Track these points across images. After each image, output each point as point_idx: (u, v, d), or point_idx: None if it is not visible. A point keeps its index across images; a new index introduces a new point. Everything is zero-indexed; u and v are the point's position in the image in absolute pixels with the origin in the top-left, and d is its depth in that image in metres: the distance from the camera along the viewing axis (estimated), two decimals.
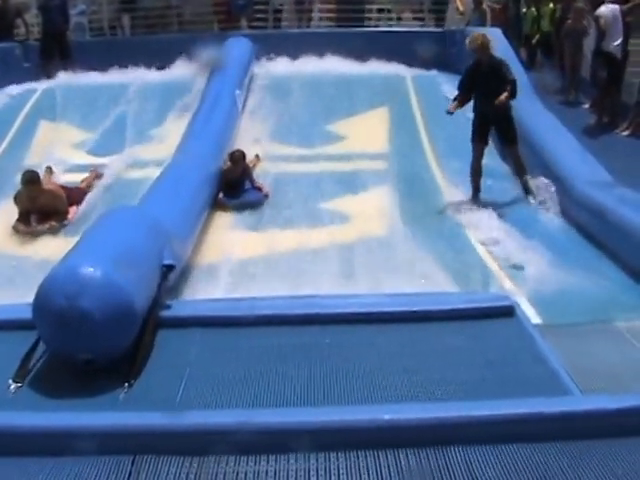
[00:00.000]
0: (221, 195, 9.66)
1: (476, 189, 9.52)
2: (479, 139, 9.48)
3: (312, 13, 17.76)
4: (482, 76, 9.25)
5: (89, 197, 9.75)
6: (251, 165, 10.22)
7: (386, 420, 3.88)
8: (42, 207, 8.91)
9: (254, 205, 9.53)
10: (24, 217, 8.91)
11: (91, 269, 4.64)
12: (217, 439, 3.80)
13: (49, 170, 10.05)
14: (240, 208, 9.42)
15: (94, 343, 4.55)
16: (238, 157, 9.90)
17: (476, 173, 9.54)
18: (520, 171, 9.59)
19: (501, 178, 9.92)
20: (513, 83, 9.21)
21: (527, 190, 9.41)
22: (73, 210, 9.33)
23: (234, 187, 9.75)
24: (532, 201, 9.23)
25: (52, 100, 13.24)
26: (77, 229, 7.73)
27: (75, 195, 9.60)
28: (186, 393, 4.41)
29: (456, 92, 9.44)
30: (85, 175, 10.31)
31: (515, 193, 9.56)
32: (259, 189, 9.88)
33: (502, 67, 9.34)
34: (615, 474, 3.66)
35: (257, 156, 10.84)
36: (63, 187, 9.52)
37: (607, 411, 4.07)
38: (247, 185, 9.90)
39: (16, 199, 8.99)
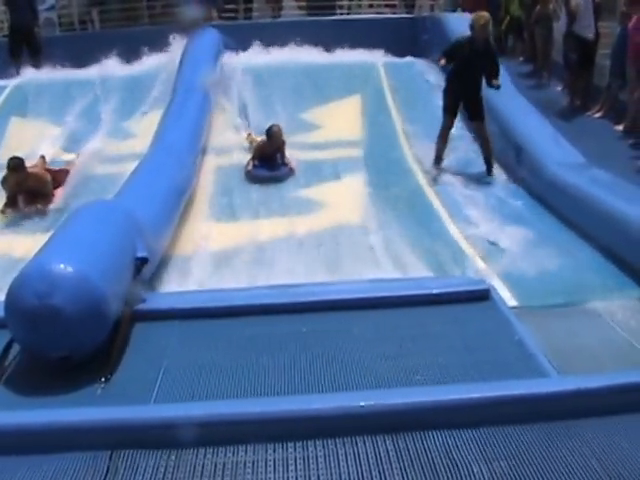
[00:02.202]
0: (250, 167, 10.13)
1: (439, 157, 9.85)
2: (451, 110, 9.83)
3: (283, 2, 17.70)
4: (472, 54, 9.52)
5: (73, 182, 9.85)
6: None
7: (362, 406, 3.88)
8: (29, 190, 9.22)
9: (280, 179, 9.94)
10: (12, 200, 9.22)
11: (61, 266, 4.61)
12: (194, 431, 3.78)
13: (42, 159, 10.17)
14: (267, 181, 9.83)
15: (68, 340, 4.52)
16: (275, 132, 10.22)
17: (442, 141, 9.86)
18: (486, 147, 9.84)
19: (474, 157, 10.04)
20: (498, 72, 9.64)
21: (489, 166, 9.73)
22: (59, 192, 9.59)
23: (267, 161, 10.18)
24: (493, 177, 9.60)
25: (23, 96, 13.11)
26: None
27: (60, 177, 9.86)
28: (163, 386, 4.40)
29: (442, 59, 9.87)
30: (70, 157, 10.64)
31: (489, 177, 9.63)
32: (286, 164, 10.26)
33: (495, 53, 9.82)
34: (594, 453, 3.68)
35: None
36: (48, 170, 9.76)
37: (584, 391, 4.09)
38: (279, 160, 10.27)
39: (3, 183, 9.32)
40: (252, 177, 10.00)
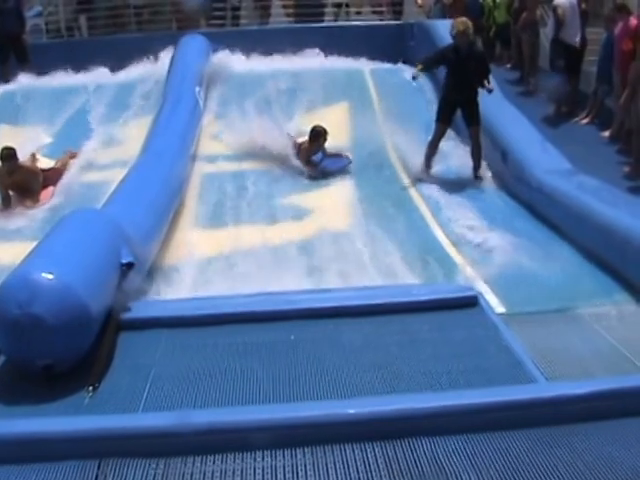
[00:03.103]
0: (311, 166, 10.24)
1: (428, 165, 9.88)
2: (444, 119, 9.87)
3: (271, 9, 17.70)
4: (460, 61, 9.60)
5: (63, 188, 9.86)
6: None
7: (351, 414, 3.88)
8: (18, 183, 9.38)
9: (344, 171, 10.16)
10: (5, 200, 9.40)
11: (42, 275, 4.63)
12: (182, 440, 3.78)
13: (33, 156, 10.18)
14: (328, 175, 10.08)
15: (51, 348, 4.52)
16: (319, 132, 10.28)
17: (433, 149, 9.89)
18: (477, 151, 9.88)
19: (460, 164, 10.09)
20: (489, 74, 9.75)
21: (477, 170, 9.79)
22: (49, 191, 9.68)
23: (310, 161, 10.31)
24: (479, 182, 9.66)
25: (11, 103, 13.10)
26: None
27: (51, 176, 9.91)
28: (151, 394, 4.39)
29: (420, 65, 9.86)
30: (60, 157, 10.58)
31: (476, 182, 9.66)
32: (338, 155, 10.45)
33: (484, 57, 9.98)
34: (583, 459, 3.69)
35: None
36: (41, 168, 9.84)
37: (572, 397, 4.11)
38: (319, 156, 10.36)
39: None
40: (321, 173, 10.14)
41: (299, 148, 10.46)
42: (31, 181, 9.52)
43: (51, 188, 9.75)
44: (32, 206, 9.27)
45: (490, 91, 9.66)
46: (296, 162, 10.32)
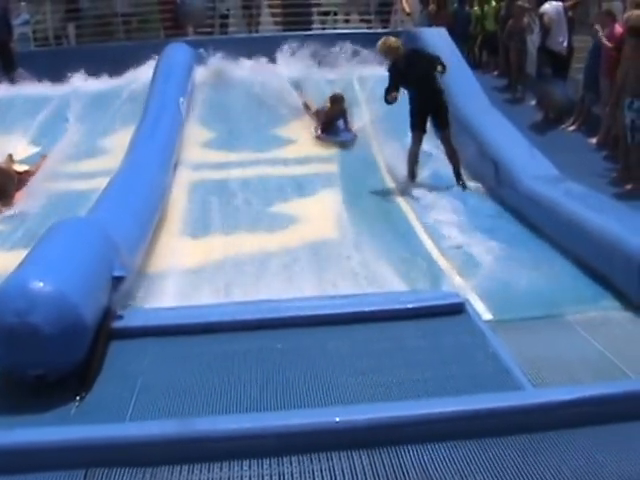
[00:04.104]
0: (319, 132, 11.58)
1: (412, 175, 9.90)
2: (419, 127, 9.90)
3: (259, 18, 17.72)
4: (407, 71, 9.66)
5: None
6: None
7: (338, 422, 3.88)
8: None
9: (348, 144, 11.30)
10: None
11: (40, 284, 4.60)
12: (169, 449, 3.77)
13: (10, 157, 10.26)
14: (337, 145, 11.23)
15: (45, 358, 4.51)
16: (338, 98, 11.59)
17: (414, 160, 9.92)
18: (453, 155, 9.92)
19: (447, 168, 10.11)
20: (438, 58, 9.81)
21: (458, 175, 9.81)
22: (23, 193, 9.66)
23: (331, 125, 11.58)
24: (461, 185, 9.69)
25: None
26: None
27: (25, 179, 9.96)
28: (139, 403, 4.38)
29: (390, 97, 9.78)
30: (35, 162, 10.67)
31: (463, 188, 9.68)
32: (350, 130, 11.56)
33: (420, 54, 10.03)
34: (569, 465, 3.70)
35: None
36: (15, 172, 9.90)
37: (559, 404, 4.13)
38: (341, 125, 11.63)
39: None
40: (321, 141, 11.36)
41: (318, 113, 11.75)
42: (6, 183, 9.47)
43: (24, 190, 9.73)
44: (5, 208, 9.19)
45: (443, 70, 9.67)
46: (312, 119, 11.78)
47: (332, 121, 11.55)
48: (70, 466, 3.75)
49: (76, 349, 4.67)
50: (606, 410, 4.12)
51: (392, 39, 10.03)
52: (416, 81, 9.67)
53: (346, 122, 11.59)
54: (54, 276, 4.76)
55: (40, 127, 12.49)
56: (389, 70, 9.94)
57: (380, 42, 9.96)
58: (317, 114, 11.89)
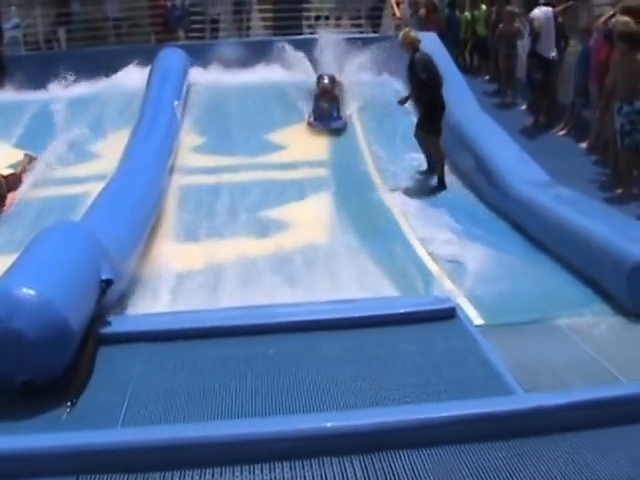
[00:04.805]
0: (312, 119, 11.97)
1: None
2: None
3: (250, 22, 17.73)
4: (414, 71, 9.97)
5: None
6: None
7: (329, 427, 3.89)
8: None
9: (339, 131, 11.64)
10: None
11: (23, 290, 4.60)
12: (160, 455, 3.76)
13: None
14: (327, 132, 11.54)
15: (31, 364, 4.49)
16: (323, 77, 12.05)
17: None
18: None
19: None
20: (420, 82, 9.97)
21: (439, 178, 10.02)
22: (11, 196, 9.59)
23: (323, 112, 11.96)
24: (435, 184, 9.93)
25: None
26: None
27: (11, 182, 9.83)
28: (130, 410, 4.37)
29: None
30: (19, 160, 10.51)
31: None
32: (341, 117, 11.93)
33: (418, 65, 10.04)
34: (560, 470, 3.71)
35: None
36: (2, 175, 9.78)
37: (550, 408, 4.13)
38: (334, 113, 11.95)
39: None
40: (312, 127, 11.76)
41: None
42: None
43: (12, 194, 9.68)
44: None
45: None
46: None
47: (326, 109, 11.90)
48: (61, 472, 3.74)
49: (62, 354, 4.67)
50: (597, 414, 4.13)
51: (407, 33, 10.40)
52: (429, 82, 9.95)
53: (338, 109, 11.81)
54: (38, 281, 4.76)
55: (27, 131, 12.42)
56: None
57: (401, 35, 10.44)
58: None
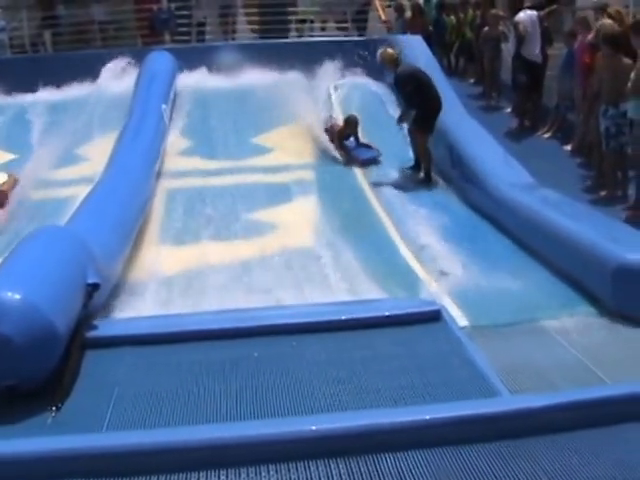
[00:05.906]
0: (342, 151, 11.24)
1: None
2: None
3: (236, 25, 17.73)
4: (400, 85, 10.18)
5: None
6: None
7: (314, 430, 3.89)
8: None
9: (376, 162, 10.95)
10: None
11: (8, 294, 4.58)
12: (145, 459, 3.76)
13: None
14: (362, 165, 10.88)
15: (16, 368, 4.48)
16: (353, 121, 11.37)
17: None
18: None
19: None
20: (408, 94, 10.22)
21: (426, 172, 10.18)
22: (1, 213, 9.48)
23: (343, 145, 11.35)
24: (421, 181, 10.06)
25: None
26: None
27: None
28: (115, 414, 4.37)
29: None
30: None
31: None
32: (368, 146, 11.23)
33: (402, 79, 10.25)
34: (546, 471, 3.72)
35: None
36: None
37: (535, 410, 4.15)
38: (352, 142, 11.37)
39: None
40: (355, 161, 10.96)
41: (332, 131, 11.44)
42: None
43: (1, 210, 9.54)
44: None
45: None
46: (328, 145, 11.38)
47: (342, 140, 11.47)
48: (46, 477, 3.72)
49: (48, 358, 4.66)
50: (582, 415, 4.15)
51: (384, 51, 10.45)
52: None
53: (357, 139, 11.41)
54: (23, 285, 4.74)
55: (11, 134, 12.38)
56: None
57: (379, 52, 10.48)
58: (330, 132, 11.67)
